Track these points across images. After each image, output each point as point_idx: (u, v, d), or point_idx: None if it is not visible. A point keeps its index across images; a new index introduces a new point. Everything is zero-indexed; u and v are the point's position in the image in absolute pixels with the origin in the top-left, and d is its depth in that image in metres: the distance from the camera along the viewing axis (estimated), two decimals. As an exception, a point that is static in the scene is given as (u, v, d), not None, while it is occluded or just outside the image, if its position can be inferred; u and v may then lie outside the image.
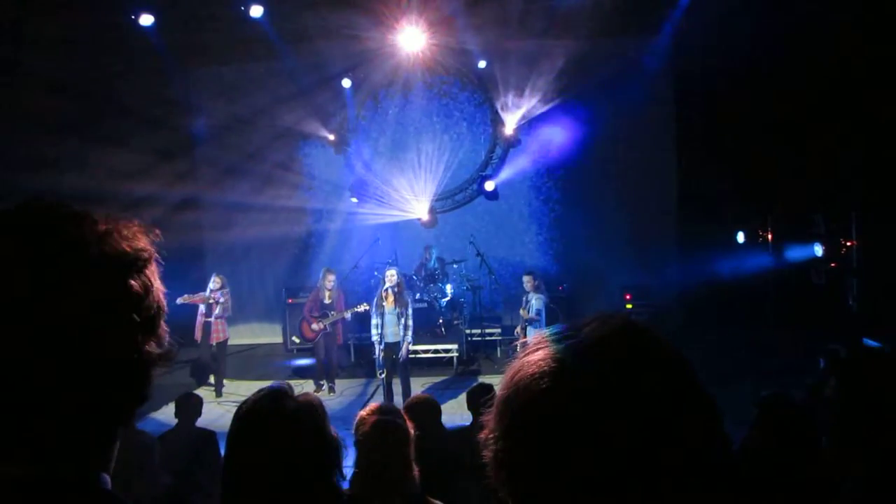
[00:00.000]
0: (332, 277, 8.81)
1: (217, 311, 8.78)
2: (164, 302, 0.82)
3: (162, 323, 0.81)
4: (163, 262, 0.82)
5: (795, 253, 10.33)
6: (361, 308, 8.86)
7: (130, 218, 0.80)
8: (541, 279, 8.80)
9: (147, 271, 0.79)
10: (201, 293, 8.80)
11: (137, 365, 0.78)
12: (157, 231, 0.82)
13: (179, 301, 8.48)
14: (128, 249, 0.77)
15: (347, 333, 10.41)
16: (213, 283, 8.85)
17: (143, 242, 0.79)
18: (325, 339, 8.79)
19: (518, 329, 8.72)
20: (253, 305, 11.24)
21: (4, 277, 0.70)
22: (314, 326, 8.75)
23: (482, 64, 11.28)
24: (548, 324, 8.56)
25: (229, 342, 9.28)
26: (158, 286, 0.81)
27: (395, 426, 2.20)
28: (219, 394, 8.85)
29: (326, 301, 8.80)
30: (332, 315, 8.73)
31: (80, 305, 0.71)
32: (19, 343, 0.69)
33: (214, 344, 8.86)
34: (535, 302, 8.32)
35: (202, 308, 8.83)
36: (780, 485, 2.77)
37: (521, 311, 8.48)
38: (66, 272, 0.72)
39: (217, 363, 9.04)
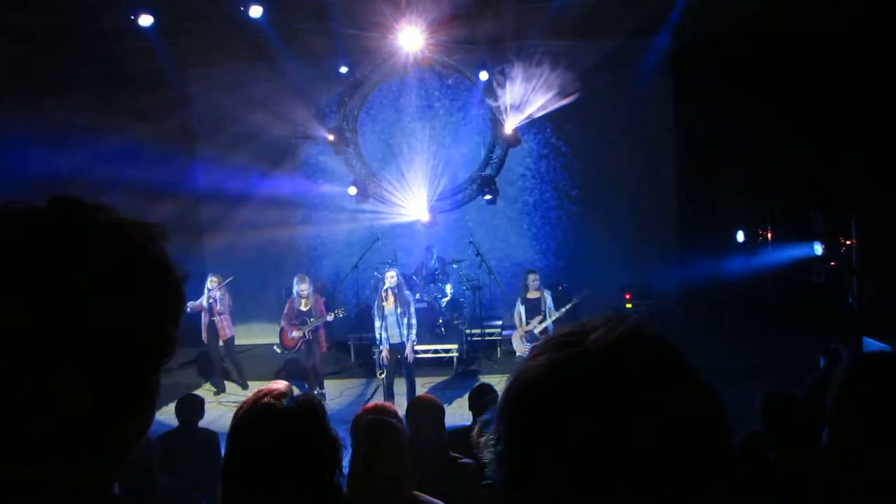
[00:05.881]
0: (305, 285, 8.52)
1: (218, 308, 8.93)
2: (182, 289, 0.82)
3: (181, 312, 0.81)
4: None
5: (795, 252, 10.34)
6: (340, 312, 8.67)
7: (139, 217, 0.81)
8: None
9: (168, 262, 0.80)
10: (199, 300, 8.91)
11: (162, 358, 0.78)
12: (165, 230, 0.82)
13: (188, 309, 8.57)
14: (154, 250, 0.77)
15: (347, 334, 10.39)
16: (210, 282, 8.99)
17: (160, 239, 0.80)
18: (306, 346, 8.53)
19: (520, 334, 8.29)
20: (252, 306, 11.23)
21: (44, 282, 0.68)
22: (293, 335, 8.49)
23: (483, 76, 11.20)
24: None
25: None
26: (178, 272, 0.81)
27: (387, 425, 2.19)
28: (244, 386, 9.17)
29: (303, 308, 8.52)
30: (311, 321, 8.47)
31: (119, 304, 0.71)
32: (52, 342, 0.67)
33: (222, 342, 9.08)
34: (550, 299, 8.19)
35: (205, 308, 9.04)
36: (781, 483, 2.77)
37: (534, 321, 8.06)
38: (106, 273, 0.71)
39: (231, 359, 9.36)
